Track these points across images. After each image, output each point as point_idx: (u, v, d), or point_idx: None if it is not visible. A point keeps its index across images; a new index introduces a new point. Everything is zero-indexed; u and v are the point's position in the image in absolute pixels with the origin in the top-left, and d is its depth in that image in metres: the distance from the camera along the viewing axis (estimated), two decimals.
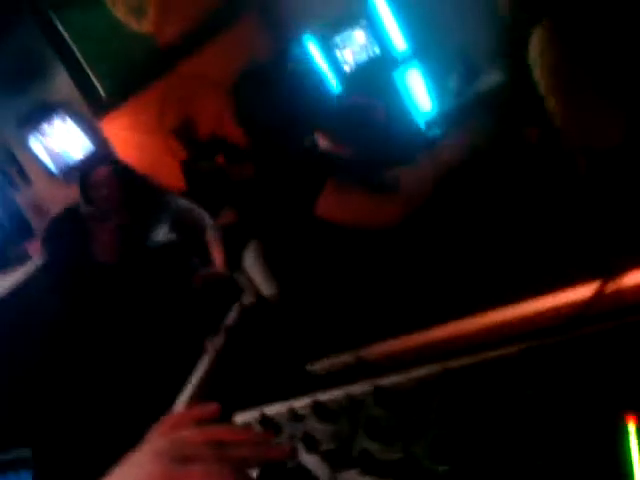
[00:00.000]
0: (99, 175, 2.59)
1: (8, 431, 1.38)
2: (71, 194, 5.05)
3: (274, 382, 1.22)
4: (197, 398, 1.15)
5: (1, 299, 2.02)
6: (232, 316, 1.51)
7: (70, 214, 2.56)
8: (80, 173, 2.67)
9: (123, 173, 2.70)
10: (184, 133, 4.20)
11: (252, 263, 3.91)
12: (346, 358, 1.34)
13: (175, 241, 2.74)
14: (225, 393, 1.16)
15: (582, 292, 1.07)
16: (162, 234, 2.72)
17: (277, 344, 1.43)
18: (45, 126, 5.41)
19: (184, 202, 2.99)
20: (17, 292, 2.02)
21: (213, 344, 1.34)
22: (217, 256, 2.75)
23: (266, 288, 3.78)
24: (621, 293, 1.01)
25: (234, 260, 3.78)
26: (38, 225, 5.88)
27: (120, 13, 4.55)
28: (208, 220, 2.95)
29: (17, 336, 1.83)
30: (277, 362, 1.32)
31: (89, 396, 1.33)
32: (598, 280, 1.02)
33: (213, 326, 1.43)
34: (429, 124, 4.12)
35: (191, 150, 4.18)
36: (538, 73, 1.79)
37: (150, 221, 2.75)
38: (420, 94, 4.22)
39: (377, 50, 4.13)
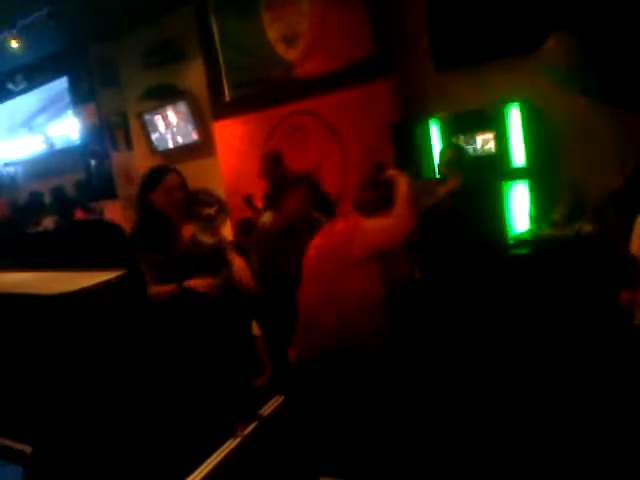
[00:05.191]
0: (175, 180, 2.64)
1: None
2: None
3: None
4: None
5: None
6: (270, 406, 1.48)
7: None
8: (150, 174, 2.73)
9: (186, 184, 2.77)
10: (271, 163, 4.28)
11: None
12: None
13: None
14: None
15: None
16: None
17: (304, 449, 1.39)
18: (164, 106, 5.70)
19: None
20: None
21: (244, 430, 1.30)
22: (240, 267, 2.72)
23: None
24: None
25: None
26: (121, 191, 6.16)
27: (272, 35, 4.78)
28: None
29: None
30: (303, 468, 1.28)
31: (112, 412, 1.31)
32: None
33: (249, 410, 1.40)
34: (517, 243, 4.05)
35: (270, 181, 4.28)
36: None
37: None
38: (520, 211, 4.17)
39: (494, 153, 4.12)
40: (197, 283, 2.37)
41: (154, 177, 2.64)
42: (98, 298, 1.31)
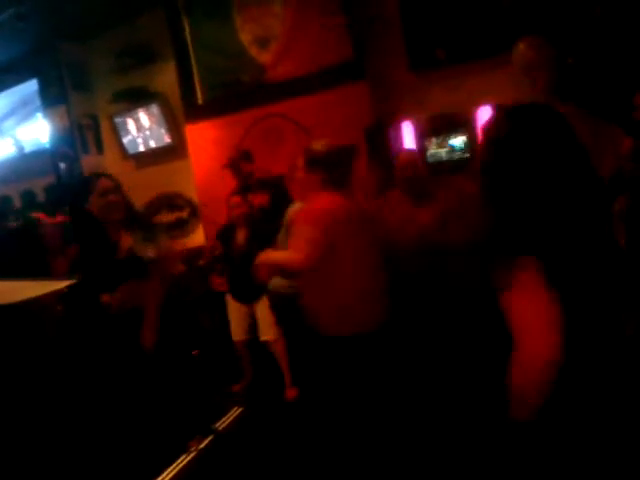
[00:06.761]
0: (107, 183, 2.58)
1: None
2: (134, 178, 5.20)
3: None
4: None
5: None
6: (226, 420, 1.43)
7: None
8: (81, 181, 2.74)
9: (121, 191, 2.67)
10: (240, 156, 4.32)
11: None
12: None
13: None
14: None
15: None
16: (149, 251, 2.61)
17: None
18: (136, 108, 5.62)
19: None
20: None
21: (197, 445, 1.25)
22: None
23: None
24: None
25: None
26: None
27: (245, 37, 4.73)
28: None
29: None
30: None
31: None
32: None
33: (204, 424, 1.36)
34: None
35: (239, 179, 4.29)
36: None
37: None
38: None
39: (467, 156, 4.15)
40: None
41: (86, 182, 2.68)
42: (49, 308, 1.25)
